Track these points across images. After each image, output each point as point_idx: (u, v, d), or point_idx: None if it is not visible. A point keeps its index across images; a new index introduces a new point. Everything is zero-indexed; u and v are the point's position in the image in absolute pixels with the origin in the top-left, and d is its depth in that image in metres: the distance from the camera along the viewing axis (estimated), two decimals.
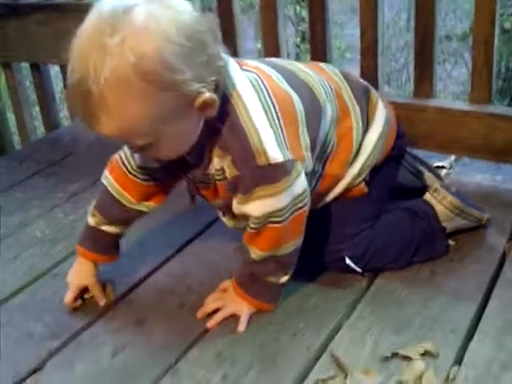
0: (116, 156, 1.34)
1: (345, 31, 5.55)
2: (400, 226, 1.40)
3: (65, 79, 2.41)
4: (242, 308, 1.28)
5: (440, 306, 1.28)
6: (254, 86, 1.17)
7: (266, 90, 1.18)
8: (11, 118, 2.79)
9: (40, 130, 2.78)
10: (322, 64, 1.43)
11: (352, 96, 1.34)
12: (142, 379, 1.17)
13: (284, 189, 1.16)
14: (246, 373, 1.16)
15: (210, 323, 1.27)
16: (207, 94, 1.07)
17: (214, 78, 1.08)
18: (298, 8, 5.48)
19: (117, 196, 1.32)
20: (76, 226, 1.69)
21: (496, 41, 1.67)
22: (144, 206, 1.34)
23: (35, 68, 2.51)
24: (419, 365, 1.13)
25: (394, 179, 1.46)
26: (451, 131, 1.73)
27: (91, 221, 1.36)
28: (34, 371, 1.21)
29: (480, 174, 1.75)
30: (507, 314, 1.24)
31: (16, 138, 2.88)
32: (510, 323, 1.22)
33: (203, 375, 1.16)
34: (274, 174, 1.15)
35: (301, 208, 1.20)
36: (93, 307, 1.36)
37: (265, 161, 1.13)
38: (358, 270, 1.36)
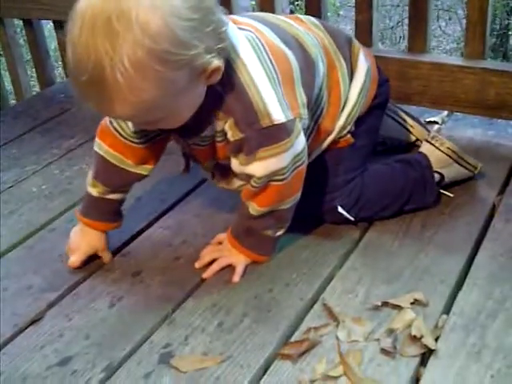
0: (105, 123, 1.31)
1: None
2: (393, 175, 1.43)
3: (58, 35, 2.42)
4: (238, 259, 1.31)
5: (430, 258, 1.30)
6: (253, 45, 1.18)
7: (264, 48, 1.18)
8: (6, 76, 2.79)
9: (35, 88, 2.77)
10: (301, 16, 1.41)
11: (336, 49, 1.34)
12: (139, 329, 1.20)
13: (287, 148, 1.17)
14: (240, 321, 1.19)
15: (207, 273, 1.30)
16: (216, 62, 1.07)
17: (220, 45, 1.07)
18: None
19: (115, 162, 1.30)
20: (72, 181, 1.71)
21: None
22: (143, 169, 1.33)
23: (28, 25, 2.49)
24: (409, 313, 1.16)
25: (378, 126, 1.47)
26: (445, 86, 1.74)
27: (93, 191, 1.33)
28: (33, 322, 1.24)
29: (472, 129, 1.76)
30: (495, 265, 1.27)
31: (11, 97, 2.88)
32: (498, 274, 1.25)
33: (199, 324, 1.19)
34: (277, 134, 1.16)
35: (301, 165, 1.22)
36: (89, 261, 1.38)
37: (268, 122, 1.14)
38: (351, 218, 1.38)
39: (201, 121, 1.18)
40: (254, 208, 1.25)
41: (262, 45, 1.18)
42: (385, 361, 1.08)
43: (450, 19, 4.37)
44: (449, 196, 1.47)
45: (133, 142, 1.28)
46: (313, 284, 1.26)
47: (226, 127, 1.18)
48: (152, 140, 1.30)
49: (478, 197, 1.47)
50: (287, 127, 1.16)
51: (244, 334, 1.16)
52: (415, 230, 1.39)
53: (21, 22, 2.57)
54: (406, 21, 1.83)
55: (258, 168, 1.19)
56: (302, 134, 1.20)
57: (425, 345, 1.09)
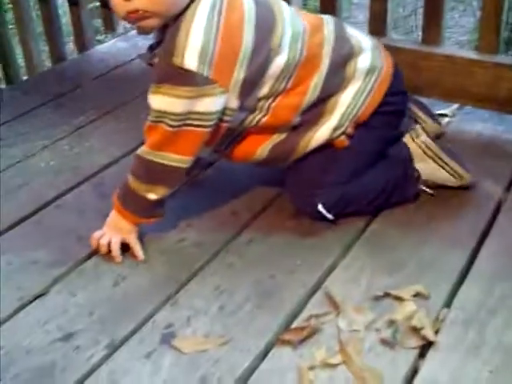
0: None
1: None
2: (375, 176, 1.40)
3: (72, 12, 2.41)
4: (121, 231, 1.33)
5: (433, 251, 1.31)
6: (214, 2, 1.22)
7: (221, 10, 1.22)
8: (18, 49, 2.78)
9: (47, 63, 2.77)
10: (326, 17, 1.41)
11: (328, 54, 1.33)
12: (142, 308, 1.21)
13: (186, 96, 1.20)
14: (242, 305, 1.20)
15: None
16: None
17: None
18: None
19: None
20: (80, 158, 1.72)
21: None
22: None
23: (43, 0, 2.48)
24: (410, 305, 1.17)
25: (387, 136, 1.44)
26: (457, 79, 1.73)
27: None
28: (38, 297, 1.25)
29: (481, 123, 1.75)
30: (498, 261, 1.28)
31: (23, 71, 2.87)
32: (500, 271, 1.25)
33: (201, 306, 1.21)
34: (182, 78, 1.20)
35: (197, 126, 1.23)
36: None
37: (179, 63, 1.18)
38: (330, 217, 1.38)
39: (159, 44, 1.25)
40: (141, 148, 1.29)
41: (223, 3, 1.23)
42: (384, 351, 1.09)
43: (464, 10, 4.33)
44: (430, 194, 1.45)
45: None
46: (316, 272, 1.27)
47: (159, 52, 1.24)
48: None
49: (484, 192, 1.47)
50: (195, 78, 1.19)
51: (245, 318, 1.18)
52: (420, 222, 1.40)
53: None
54: (420, 10, 1.82)
55: (155, 101, 1.23)
56: (214, 100, 1.21)
57: (424, 337, 1.10)
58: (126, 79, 2.17)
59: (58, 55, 2.55)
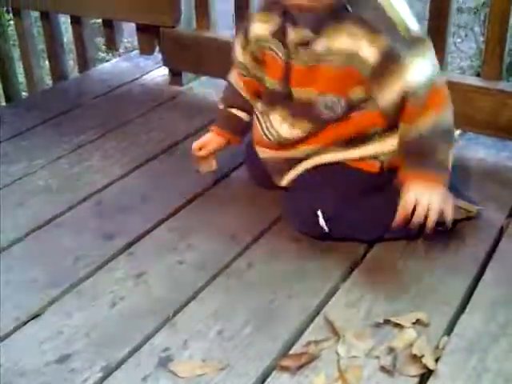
0: (234, 71, 1.52)
1: None
2: (385, 205, 1.32)
3: (75, 30, 2.42)
4: (432, 195, 1.24)
5: (434, 278, 1.30)
6: None
7: None
8: (18, 66, 2.79)
9: (48, 81, 2.78)
10: None
11: None
12: (140, 330, 1.19)
13: (431, 58, 1.26)
14: (241, 330, 1.19)
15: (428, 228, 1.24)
16: None
17: None
18: None
19: (238, 89, 1.51)
20: (80, 178, 1.71)
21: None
22: (253, 101, 1.49)
23: (45, 17, 2.49)
24: (411, 333, 1.16)
25: None
26: (459, 106, 1.72)
27: (221, 105, 1.55)
28: (34, 317, 1.24)
29: (484, 150, 1.75)
30: (500, 289, 1.26)
31: (22, 87, 2.88)
32: (502, 298, 1.24)
33: (199, 329, 1.19)
34: (419, 45, 1.25)
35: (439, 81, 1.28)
36: (95, 258, 1.38)
37: (408, 34, 1.23)
38: (326, 228, 1.36)
39: (317, 31, 1.26)
40: (428, 120, 1.24)
41: None
42: (384, 379, 1.08)
43: (466, 36, 4.36)
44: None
45: (245, 75, 1.48)
46: (315, 297, 1.26)
47: (363, 46, 1.22)
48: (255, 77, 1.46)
49: (486, 219, 1.46)
50: (427, 42, 1.26)
51: (244, 342, 1.16)
52: (421, 248, 1.38)
53: (36, 13, 2.58)
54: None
55: (415, 74, 1.22)
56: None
57: (424, 365, 1.09)
58: (127, 99, 2.17)
59: (59, 73, 2.56)
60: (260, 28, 1.39)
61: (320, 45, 1.27)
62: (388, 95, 1.26)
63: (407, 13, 1.24)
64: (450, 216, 1.25)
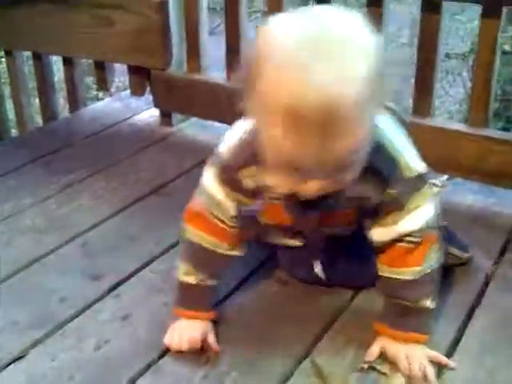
0: (196, 208, 1.24)
1: None
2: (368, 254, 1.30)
3: (66, 70, 2.44)
4: (415, 353, 1.19)
5: None
6: None
7: None
8: (10, 104, 2.80)
9: (38, 120, 2.79)
10: None
11: None
12: (124, 373, 1.18)
13: (432, 193, 1.19)
14: (226, 375, 1.17)
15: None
16: None
17: None
18: None
19: (211, 247, 1.25)
20: (68, 217, 1.70)
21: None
22: (238, 250, 1.28)
23: (37, 56, 2.51)
24: (398, 379, 1.15)
25: None
26: (447, 151, 1.75)
27: (192, 279, 1.26)
28: (17, 359, 1.22)
29: (472, 195, 1.76)
30: (487, 336, 1.26)
31: (12, 124, 2.88)
32: (489, 345, 1.24)
33: (184, 374, 1.18)
34: (421, 183, 1.16)
35: None
36: (80, 299, 1.37)
37: (411, 173, 1.13)
38: (323, 277, 1.35)
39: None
40: (414, 270, 1.18)
41: None
42: None
43: (454, 81, 4.43)
44: None
45: (229, 226, 1.23)
46: (302, 341, 1.25)
47: (370, 189, 1.14)
48: (246, 225, 1.25)
49: (473, 265, 1.46)
50: (426, 176, 1.17)
51: None
52: None
53: (28, 52, 2.60)
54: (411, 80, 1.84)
55: (413, 221, 1.16)
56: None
57: None
58: (117, 139, 2.18)
59: (49, 113, 2.57)
60: (252, 182, 1.18)
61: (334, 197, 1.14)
62: (383, 236, 1.20)
63: (410, 150, 1.16)
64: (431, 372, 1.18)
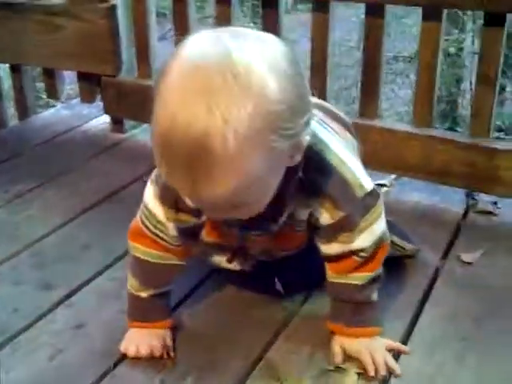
0: (139, 225, 1.22)
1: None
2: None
3: (14, 78, 2.41)
4: (374, 347, 1.22)
5: None
6: (318, 122, 1.13)
7: (326, 124, 1.18)
8: None
9: None
10: None
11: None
12: (80, 383, 1.17)
13: (382, 210, 1.18)
14: (183, 379, 1.18)
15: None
16: (307, 137, 0.97)
17: (307, 116, 0.96)
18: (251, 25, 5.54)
19: (163, 262, 1.23)
20: (19, 227, 1.68)
21: (439, 66, 1.75)
22: (184, 260, 1.27)
23: None
24: (352, 376, 1.17)
25: None
26: (394, 151, 1.79)
27: (145, 294, 1.25)
28: None
29: (418, 193, 1.81)
30: (436, 329, 1.30)
31: None
32: (439, 338, 1.27)
33: (141, 380, 1.18)
34: (372, 201, 1.15)
35: None
36: (32, 309, 1.36)
37: (362, 192, 1.13)
38: (282, 291, 1.37)
39: (274, 209, 1.06)
40: (364, 276, 1.20)
41: (324, 121, 1.17)
42: None
43: (402, 83, 4.53)
44: None
45: (171, 244, 1.21)
46: (258, 343, 1.26)
47: (320, 212, 1.13)
48: (187, 243, 1.23)
49: (421, 260, 1.50)
50: (376, 192, 1.16)
51: None
52: None
53: None
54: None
55: (366, 238, 1.16)
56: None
57: None
58: (68, 147, 2.16)
59: None
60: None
61: (280, 220, 1.14)
62: (335, 250, 1.19)
63: (359, 168, 1.15)
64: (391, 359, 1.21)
